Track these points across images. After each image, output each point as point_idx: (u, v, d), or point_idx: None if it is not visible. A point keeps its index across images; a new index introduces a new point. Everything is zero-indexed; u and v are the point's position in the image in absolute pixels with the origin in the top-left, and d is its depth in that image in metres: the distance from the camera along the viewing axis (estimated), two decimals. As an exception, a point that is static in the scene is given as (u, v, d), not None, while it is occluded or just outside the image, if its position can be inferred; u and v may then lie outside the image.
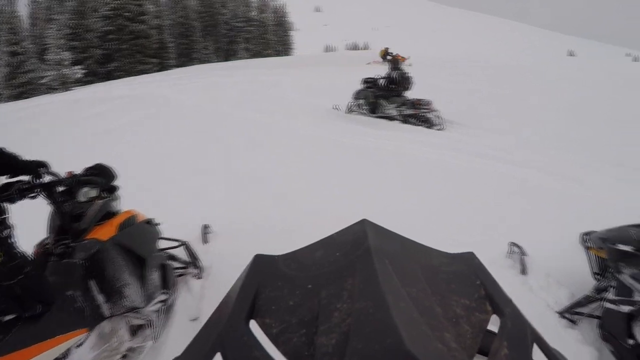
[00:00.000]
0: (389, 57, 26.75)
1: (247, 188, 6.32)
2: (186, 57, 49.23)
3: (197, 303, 3.71)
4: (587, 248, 4.02)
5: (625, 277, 3.17)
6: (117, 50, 40.79)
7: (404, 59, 27.22)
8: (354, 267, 0.87)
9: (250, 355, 0.71)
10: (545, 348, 0.79)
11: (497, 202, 6.06)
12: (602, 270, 3.80)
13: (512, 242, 4.64)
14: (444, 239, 4.83)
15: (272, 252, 3.47)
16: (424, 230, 5.08)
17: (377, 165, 7.57)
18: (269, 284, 0.90)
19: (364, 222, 1.07)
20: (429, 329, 0.75)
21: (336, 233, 1.06)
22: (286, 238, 4.64)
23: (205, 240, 4.77)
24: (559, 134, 10.60)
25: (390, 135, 9.94)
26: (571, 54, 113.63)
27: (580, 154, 8.97)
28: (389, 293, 0.76)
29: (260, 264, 0.99)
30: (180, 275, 3.98)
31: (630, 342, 2.89)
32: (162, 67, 41.79)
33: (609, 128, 11.18)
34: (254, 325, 0.81)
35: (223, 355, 0.72)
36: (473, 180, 6.94)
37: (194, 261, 4.13)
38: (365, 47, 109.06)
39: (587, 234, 4.10)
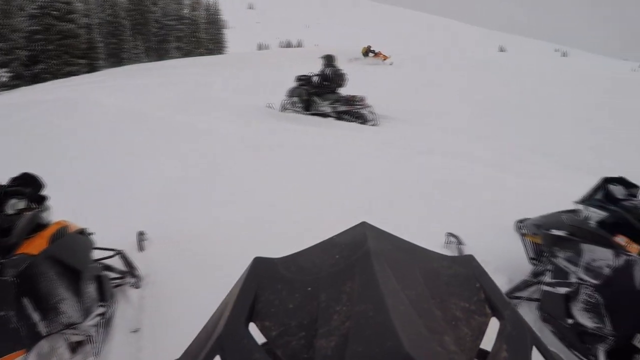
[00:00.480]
0: (370, 55, 27.15)
1: (178, 194, 6.18)
2: (116, 58, 47.80)
3: (136, 314, 3.62)
4: (522, 235, 4.14)
5: (560, 261, 3.28)
6: (43, 51, 38.75)
7: (385, 57, 27.82)
8: (353, 269, 0.87)
9: (250, 357, 0.71)
10: (544, 351, 0.80)
11: (431, 193, 6.15)
12: (538, 255, 3.93)
13: (448, 233, 4.72)
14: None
15: (207, 255, 3.41)
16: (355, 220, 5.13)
17: (307, 161, 7.59)
18: (268, 286, 0.89)
19: (363, 225, 1.06)
20: (428, 331, 0.75)
21: (336, 235, 1.05)
22: (216, 242, 4.64)
23: (141, 247, 4.63)
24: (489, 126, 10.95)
25: (323, 132, 9.99)
26: (502, 49, 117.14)
27: (506, 144, 9.28)
28: (388, 296, 0.76)
29: (260, 266, 0.96)
30: (118, 285, 3.85)
31: (570, 321, 3.03)
32: (91, 68, 40.22)
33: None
34: (253, 328, 0.80)
35: (222, 358, 0.72)
36: (407, 173, 7.03)
37: (130, 270, 4.01)
38: (299, 45, 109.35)
39: (521, 221, 4.24)
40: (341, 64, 12.84)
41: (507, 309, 0.85)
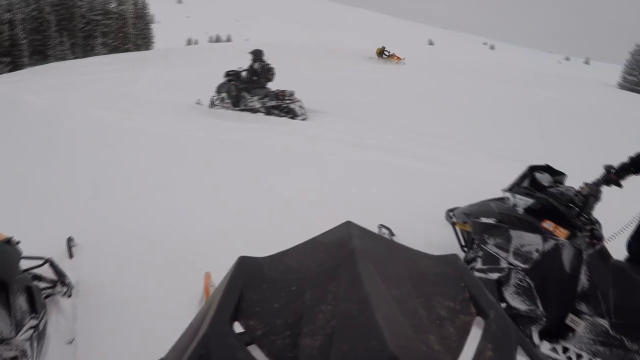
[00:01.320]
0: (384, 56, 27.53)
1: (106, 197, 5.93)
2: (41, 55, 45.91)
3: (70, 324, 3.49)
4: (453, 224, 4.20)
5: (491, 247, 3.35)
6: (-35, 50, 37.08)
7: (399, 58, 28.16)
8: (338, 269, 0.86)
9: (235, 356, 0.69)
10: (529, 351, 0.79)
11: (362, 186, 6.21)
12: (469, 242, 3.99)
13: (381, 224, 4.76)
14: (315, 225, 4.88)
15: (137, 261, 3.32)
16: (293, 218, 5.16)
17: (238, 157, 7.54)
18: (253, 286, 0.88)
19: (348, 224, 1.06)
20: (413, 331, 0.74)
21: (320, 235, 1.05)
22: (146, 246, 4.56)
23: (71, 254, 4.43)
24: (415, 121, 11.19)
25: (254, 127, 9.93)
26: (430, 42, 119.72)
27: (434, 136, 9.49)
28: (373, 295, 0.76)
29: (245, 266, 0.94)
30: (48, 296, 3.68)
31: (502, 305, 3.13)
32: (14, 66, 38.72)
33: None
34: (237, 327, 0.79)
35: (207, 357, 0.69)
36: (338, 167, 7.08)
37: (61, 279, 3.83)
38: (229, 40, 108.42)
39: (451, 210, 4.31)
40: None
41: (492, 308, 0.84)
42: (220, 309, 0.79)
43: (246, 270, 0.92)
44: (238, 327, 0.79)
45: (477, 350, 0.74)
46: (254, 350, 0.73)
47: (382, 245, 1.01)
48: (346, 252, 0.89)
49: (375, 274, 0.84)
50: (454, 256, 1.01)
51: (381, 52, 29.06)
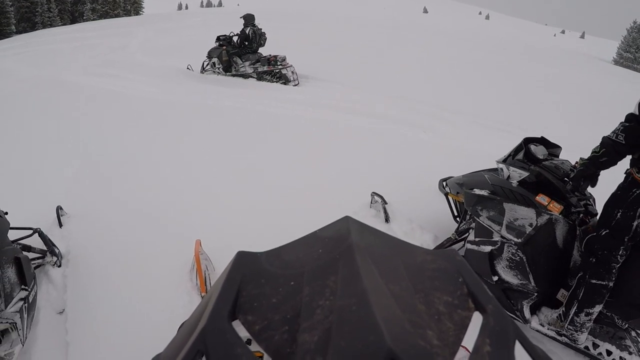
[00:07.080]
0: None
1: (97, 164, 5.86)
2: (28, 22, 45.21)
3: (61, 294, 3.47)
4: (446, 194, 4.17)
5: (484, 219, 3.32)
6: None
7: None
8: (336, 264, 0.87)
9: (233, 352, 0.69)
10: (527, 345, 0.78)
11: (356, 153, 6.18)
12: (462, 213, 3.97)
13: (374, 192, 4.74)
14: (309, 196, 4.87)
15: (126, 230, 3.27)
16: (290, 189, 5.14)
17: (231, 125, 7.49)
18: (251, 281, 0.89)
19: (347, 219, 1.07)
20: (411, 326, 0.74)
21: (319, 230, 1.06)
22: (135, 216, 4.53)
23: (60, 223, 4.38)
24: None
25: (247, 93, 9.87)
26: (425, 10, 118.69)
27: (425, 105, 9.45)
28: (371, 290, 0.77)
29: (243, 261, 0.95)
30: (38, 266, 3.68)
31: (494, 278, 3.12)
32: (1, 34, 38.04)
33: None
34: (236, 323, 0.79)
35: (205, 353, 0.69)
36: (332, 134, 7.02)
37: (50, 249, 3.79)
38: (220, 4, 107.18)
39: (444, 180, 4.27)
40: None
41: (490, 303, 0.84)
42: (219, 304, 0.79)
43: (245, 265, 0.92)
44: (236, 322, 0.78)
45: (475, 345, 0.74)
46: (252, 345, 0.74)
47: (381, 241, 1.01)
48: (344, 247, 0.90)
49: (374, 269, 0.84)
50: (452, 251, 1.00)
51: None
